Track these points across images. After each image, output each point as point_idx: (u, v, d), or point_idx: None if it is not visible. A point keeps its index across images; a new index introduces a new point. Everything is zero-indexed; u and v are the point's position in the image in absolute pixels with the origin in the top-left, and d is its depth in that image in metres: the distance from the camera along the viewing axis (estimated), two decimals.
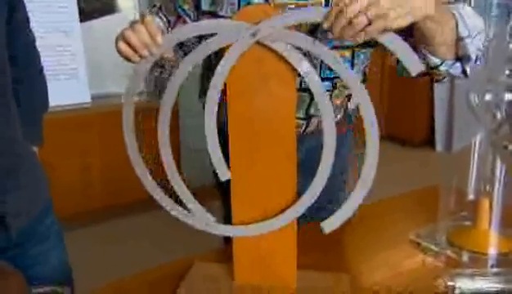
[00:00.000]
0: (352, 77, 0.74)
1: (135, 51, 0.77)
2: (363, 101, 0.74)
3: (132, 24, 0.79)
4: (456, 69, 0.86)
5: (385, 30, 0.68)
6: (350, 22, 0.67)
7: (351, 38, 0.69)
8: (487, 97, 0.88)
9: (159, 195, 0.84)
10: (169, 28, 1.07)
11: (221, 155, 0.80)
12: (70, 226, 2.25)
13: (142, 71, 0.79)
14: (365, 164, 0.76)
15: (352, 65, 1.02)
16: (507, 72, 0.87)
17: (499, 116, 0.89)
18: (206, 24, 0.77)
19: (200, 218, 0.83)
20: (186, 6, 1.01)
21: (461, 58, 0.85)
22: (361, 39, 0.69)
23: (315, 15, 0.72)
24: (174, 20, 1.06)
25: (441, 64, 0.85)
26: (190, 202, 0.84)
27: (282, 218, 0.81)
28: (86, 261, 1.94)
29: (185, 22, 1.04)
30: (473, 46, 0.82)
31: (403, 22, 0.69)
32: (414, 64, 0.69)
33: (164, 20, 1.08)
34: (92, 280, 0.96)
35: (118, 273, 0.95)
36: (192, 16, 1.02)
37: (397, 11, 0.68)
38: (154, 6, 1.13)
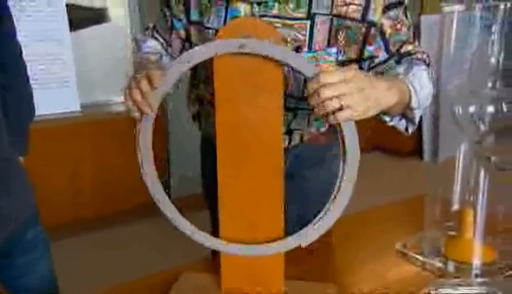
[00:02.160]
0: None
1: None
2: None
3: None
4: (402, 125, 0.96)
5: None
6: (323, 101, 0.71)
7: (320, 116, 0.74)
8: (471, 109, 0.90)
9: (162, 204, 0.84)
10: (168, 48, 1.08)
11: None
12: (61, 235, 2.24)
13: (159, 95, 0.79)
14: (344, 178, 0.77)
15: None
16: (490, 84, 0.89)
17: (482, 128, 0.90)
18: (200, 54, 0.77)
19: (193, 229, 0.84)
20: (181, 16, 1.02)
21: (406, 118, 0.94)
22: (329, 121, 0.74)
23: (303, 66, 0.74)
24: (170, 38, 1.07)
25: (390, 121, 0.94)
26: (173, 213, 0.84)
27: (276, 246, 0.82)
28: (76, 270, 1.93)
29: (179, 36, 1.05)
30: (419, 115, 0.93)
31: (367, 115, 0.75)
32: (354, 156, 0.75)
33: (161, 40, 1.09)
34: (81, 289, 0.96)
35: (108, 282, 0.95)
36: (184, 25, 1.03)
37: (364, 106, 0.73)
38: (148, 28, 1.13)
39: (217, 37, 0.78)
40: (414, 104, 0.88)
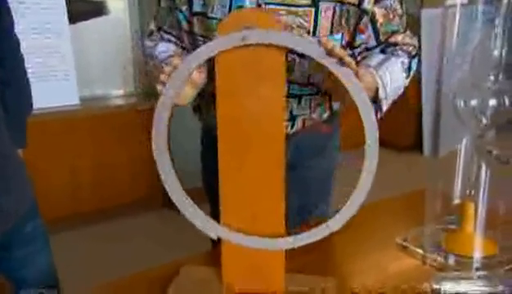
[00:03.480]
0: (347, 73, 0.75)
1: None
2: (359, 99, 0.75)
3: None
4: (373, 108, 0.98)
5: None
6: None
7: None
8: (473, 103, 0.90)
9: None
10: (183, 45, 1.06)
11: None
12: (60, 228, 2.24)
13: (175, 86, 0.78)
14: (366, 159, 0.77)
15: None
16: (492, 78, 0.88)
17: (484, 121, 0.90)
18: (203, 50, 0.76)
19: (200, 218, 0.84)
20: (183, 8, 1.01)
21: (376, 103, 0.98)
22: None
23: (308, 48, 0.74)
24: (180, 33, 1.05)
25: None
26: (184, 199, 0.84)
27: (281, 242, 0.82)
28: (76, 263, 1.93)
29: (181, 28, 1.04)
30: (386, 105, 0.99)
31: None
32: (374, 148, 0.77)
33: (173, 39, 1.07)
34: (81, 282, 0.96)
35: (108, 275, 0.95)
36: (187, 17, 1.02)
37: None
38: (152, 32, 1.10)
39: (218, 31, 0.77)
40: (381, 94, 0.94)
